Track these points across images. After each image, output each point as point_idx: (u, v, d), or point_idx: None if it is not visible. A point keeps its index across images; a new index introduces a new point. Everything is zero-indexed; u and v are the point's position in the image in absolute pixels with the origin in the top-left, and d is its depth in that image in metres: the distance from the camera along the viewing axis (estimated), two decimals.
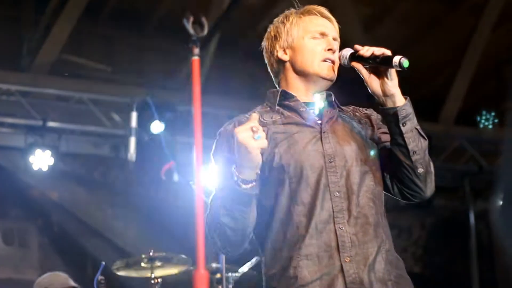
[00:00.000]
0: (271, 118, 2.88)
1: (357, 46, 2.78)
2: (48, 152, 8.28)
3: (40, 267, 8.47)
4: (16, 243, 8.87)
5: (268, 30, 3.05)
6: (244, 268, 6.11)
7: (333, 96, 2.94)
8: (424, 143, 2.74)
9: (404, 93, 2.76)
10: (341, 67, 2.89)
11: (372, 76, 2.75)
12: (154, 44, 9.58)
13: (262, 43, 3.07)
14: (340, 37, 2.97)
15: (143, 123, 8.14)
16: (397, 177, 2.80)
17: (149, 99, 7.80)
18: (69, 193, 9.05)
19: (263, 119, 2.87)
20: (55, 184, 8.83)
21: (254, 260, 6.02)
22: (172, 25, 8.22)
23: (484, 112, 10.38)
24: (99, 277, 5.45)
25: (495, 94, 10.37)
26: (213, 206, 2.77)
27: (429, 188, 2.79)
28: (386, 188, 2.85)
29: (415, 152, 2.72)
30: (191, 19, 2.85)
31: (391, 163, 2.80)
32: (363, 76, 2.77)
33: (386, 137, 2.84)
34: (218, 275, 5.95)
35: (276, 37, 2.99)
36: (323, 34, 2.90)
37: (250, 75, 9.47)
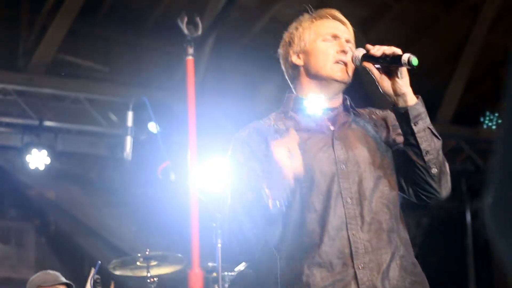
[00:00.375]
0: (285, 125, 2.87)
1: (368, 46, 2.77)
2: (44, 152, 8.30)
3: (37, 266, 8.46)
4: (12, 243, 8.87)
5: (283, 37, 3.06)
6: (240, 267, 6.12)
7: (348, 100, 2.94)
8: (438, 143, 2.72)
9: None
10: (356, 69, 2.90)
11: (383, 76, 2.74)
12: (151, 44, 9.58)
13: (278, 51, 3.06)
14: None
15: (139, 122, 8.15)
16: (411, 178, 2.78)
17: (145, 98, 7.80)
18: (65, 192, 9.05)
19: (277, 126, 2.87)
20: (51, 183, 8.84)
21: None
22: (169, 24, 8.23)
23: (487, 113, 10.41)
24: (95, 276, 5.46)
25: (492, 95, 10.39)
26: (234, 215, 2.77)
27: (445, 189, 2.76)
28: (401, 190, 2.84)
29: (428, 152, 2.70)
30: (185, 19, 2.86)
31: (404, 164, 2.78)
32: (374, 76, 2.76)
33: (401, 139, 2.82)
34: (214, 274, 5.97)
35: (290, 43, 2.99)
36: (335, 36, 2.89)
37: (246, 75, 9.49)
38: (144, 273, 5.87)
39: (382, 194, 2.73)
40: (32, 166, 8.26)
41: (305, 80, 2.93)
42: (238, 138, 2.90)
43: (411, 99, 2.71)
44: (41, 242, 9.03)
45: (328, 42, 2.89)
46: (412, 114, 2.69)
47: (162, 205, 8.37)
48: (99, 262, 5.50)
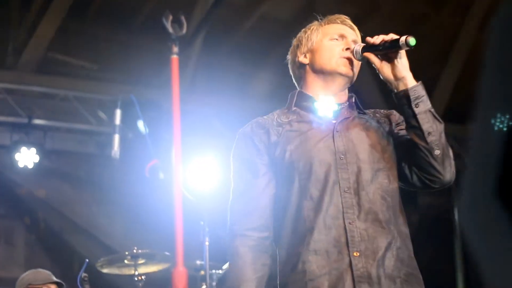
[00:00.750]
0: (287, 118, 2.93)
1: (368, 39, 2.83)
2: (33, 150, 8.29)
3: (26, 264, 8.45)
4: (1, 241, 8.85)
5: (292, 43, 3.11)
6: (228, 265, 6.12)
7: (354, 98, 2.99)
8: (440, 126, 2.74)
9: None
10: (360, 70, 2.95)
11: (384, 62, 2.80)
12: (141, 42, 9.56)
13: (287, 57, 3.12)
14: None
15: (128, 120, 8.14)
16: (415, 162, 2.79)
17: (133, 96, 7.79)
18: (54, 190, 9.04)
19: (280, 120, 2.93)
20: (40, 181, 8.82)
21: None
22: (159, 22, 8.20)
23: (498, 115, 10.40)
24: (83, 274, 5.46)
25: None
26: (235, 214, 2.86)
27: (448, 172, 2.77)
28: (405, 179, 2.86)
29: (430, 133, 2.72)
30: (170, 17, 2.86)
31: (408, 150, 2.81)
32: (375, 64, 2.82)
33: (404, 132, 2.87)
34: (202, 272, 5.97)
35: (297, 46, 3.05)
36: (342, 36, 2.95)
37: (237, 73, 9.48)
38: (132, 271, 5.87)
39: (380, 186, 2.77)
40: (21, 164, 8.24)
41: (310, 77, 2.98)
42: (242, 134, 2.95)
43: (411, 82, 2.77)
44: (31, 240, 9.02)
45: (334, 41, 2.94)
46: (412, 95, 2.74)
47: (152, 203, 8.35)
48: (87, 260, 5.51)
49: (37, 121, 8.42)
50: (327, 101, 2.92)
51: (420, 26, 9.91)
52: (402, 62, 2.77)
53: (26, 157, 8.25)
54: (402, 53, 2.77)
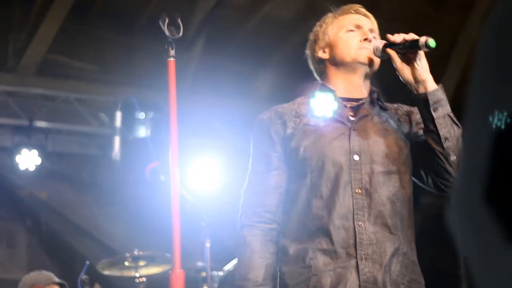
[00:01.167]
0: (306, 110, 2.91)
1: (389, 36, 2.81)
2: (35, 152, 8.28)
3: (28, 266, 8.43)
4: (3, 243, 8.85)
5: (309, 37, 3.10)
6: (230, 267, 6.11)
7: (376, 93, 2.96)
8: (458, 131, 2.72)
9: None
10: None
11: (404, 64, 2.78)
12: (142, 44, 9.55)
13: (305, 52, 3.11)
14: None
15: (129, 122, 8.15)
16: (431, 166, 2.78)
17: (134, 98, 7.80)
18: (56, 192, 9.03)
19: (299, 111, 2.92)
20: (42, 183, 8.82)
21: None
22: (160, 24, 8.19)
23: (496, 112, 10.39)
24: (83, 276, 5.47)
25: None
26: (245, 205, 2.89)
27: None
28: (420, 180, 2.85)
29: (447, 138, 2.70)
30: (166, 20, 2.86)
31: (424, 153, 2.79)
32: (396, 63, 2.79)
33: (422, 132, 2.84)
34: (203, 274, 5.96)
35: (315, 41, 3.03)
36: (358, 26, 2.93)
37: (238, 74, 9.47)
38: (132, 273, 5.85)
39: (391, 189, 2.75)
40: (22, 166, 8.24)
41: (331, 71, 2.96)
42: (260, 122, 2.95)
43: (431, 86, 2.75)
44: (33, 242, 9.01)
45: (351, 33, 2.92)
46: (431, 99, 2.72)
47: (154, 205, 8.34)
48: (87, 262, 5.51)
49: (39, 124, 8.41)
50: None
51: (422, 26, 9.89)
52: (422, 64, 2.76)
53: (28, 160, 8.24)
54: (422, 54, 2.76)
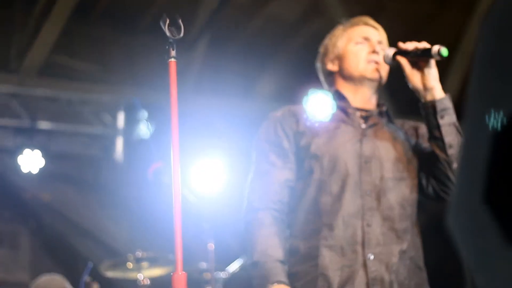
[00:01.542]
0: (319, 112, 2.96)
1: (400, 44, 2.87)
2: (38, 153, 8.26)
3: (31, 268, 8.44)
4: (6, 245, 8.83)
5: (319, 51, 3.16)
6: (233, 268, 6.10)
7: (385, 107, 3.02)
8: (461, 140, 2.74)
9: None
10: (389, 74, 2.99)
11: (414, 71, 2.83)
12: (145, 45, 9.54)
13: (316, 65, 3.18)
14: None
15: (132, 123, 8.14)
16: (433, 173, 2.83)
17: (136, 99, 7.80)
18: (59, 194, 9.02)
19: (312, 112, 2.97)
20: (45, 185, 8.81)
21: (242, 259, 6.01)
22: None
23: (492, 111, 10.37)
24: (87, 278, 5.44)
25: None
26: (256, 192, 2.90)
27: None
28: (420, 189, 2.90)
29: (452, 146, 2.76)
30: (167, 21, 2.87)
31: (427, 160, 2.85)
32: (405, 70, 2.85)
33: (426, 145, 2.91)
34: (207, 275, 5.94)
35: (325, 53, 3.11)
36: (366, 39, 3.00)
37: (242, 74, 9.45)
38: (135, 275, 5.83)
39: (401, 194, 2.81)
40: (25, 168, 8.22)
41: (340, 83, 3.02)
42: (272, 118, 3.00)
43: (439, 94, 2.81)
44: (36, 244, 8.99)
45: (359, 45, 2.97)
46: (439, 107, 2.78)
47: (157, 206, 8.33)
48: (90, 263, 5.48)
49: (41, 125, 8.41)
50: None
51: (426, 26, 9.87)
52: (432, 72, 2.82)
53: (31, 161, 8.23)
54: (432, 62, 2.81)
